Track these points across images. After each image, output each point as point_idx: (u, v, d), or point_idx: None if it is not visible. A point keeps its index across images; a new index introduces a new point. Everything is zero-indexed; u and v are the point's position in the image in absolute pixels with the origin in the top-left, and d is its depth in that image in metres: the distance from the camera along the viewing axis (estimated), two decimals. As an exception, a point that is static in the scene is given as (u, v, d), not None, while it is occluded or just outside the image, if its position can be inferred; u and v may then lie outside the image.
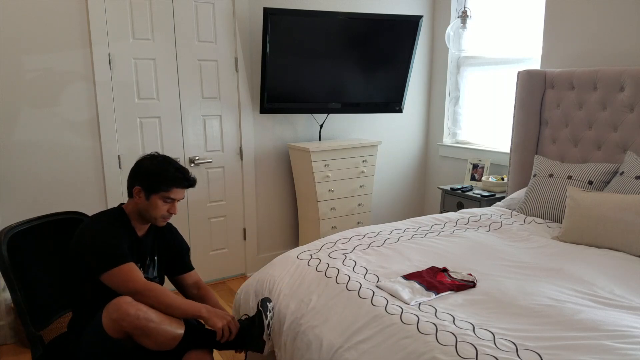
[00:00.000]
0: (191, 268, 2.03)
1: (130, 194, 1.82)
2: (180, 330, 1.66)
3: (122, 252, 1.70)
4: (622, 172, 2.50)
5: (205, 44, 3.26)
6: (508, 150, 3.38)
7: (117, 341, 1.59)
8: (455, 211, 3.00)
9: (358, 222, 3.72)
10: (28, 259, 1.80)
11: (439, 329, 1.51)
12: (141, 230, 1.86)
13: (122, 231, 1.77)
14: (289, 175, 3.77)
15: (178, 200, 1.83)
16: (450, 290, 1.79)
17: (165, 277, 2.02)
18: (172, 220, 2.13)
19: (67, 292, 1.84)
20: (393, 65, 3.66)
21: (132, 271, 1.69)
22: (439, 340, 1.47)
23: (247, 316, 1.87)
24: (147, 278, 1.78)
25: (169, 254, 1.97)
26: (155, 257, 1.93)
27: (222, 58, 3.34)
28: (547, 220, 2.62)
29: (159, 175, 1.78)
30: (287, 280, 2.05)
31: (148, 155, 1.85)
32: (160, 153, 1.89)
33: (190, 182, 1.83)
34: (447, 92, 4.18)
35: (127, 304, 1.58)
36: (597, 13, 2.92)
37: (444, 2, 4.07)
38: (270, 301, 1.85)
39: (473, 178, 3.83)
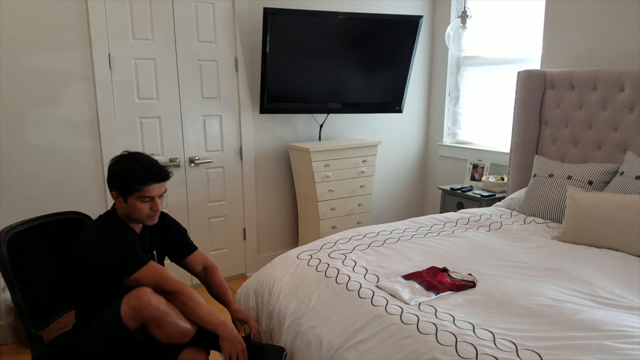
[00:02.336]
0: (194, 248, 2.04)
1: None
2: (193, 327, 1.70)
3: (141, 252, 1.74)
4: (622, 172, 2.50)
5: (205, 44, 3.26)
6: (508, 150, 3.37)
7: (128, 331, 1.62)
8: (455, 211, 3.00)
9: (358, 222, 3.72)
10: (28, 259, 1.80)
11: (439, 329, 1.51)
12: (138, 227, 1.86)
13: (127, 232, 1.77)
14: (289, 175, 3.77)
15: (158, 197, 1.77)
16: (450, 290, 1.79)
17: (174, 263, 2.05)
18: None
19: (71, 291, 1.84)
20: (393, 65, 3.66)
21: (161, 270, 1.72)
22: (439, 340, 1.47)
23: (259, 342, 1.87)
24: None
25: (169, 241, 1.98)
26: (155, 252, 1.94)
27: (222, 58, 3.34)
28: (547, 220, 2.62)
29: (126, 176, 1.71)
30: (287, 280, 2.05)
31: (117, 156, 1.78)
32: (149, 154, 1.85)
33: (160, 176, 1.75)
34: (447, 92, 4.18)
35: (149, 294, 1.64)
36: (597, 13, 2.92)
37: (444, 2, 4.07)
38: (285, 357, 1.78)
39: (473, 178, 3.83)
